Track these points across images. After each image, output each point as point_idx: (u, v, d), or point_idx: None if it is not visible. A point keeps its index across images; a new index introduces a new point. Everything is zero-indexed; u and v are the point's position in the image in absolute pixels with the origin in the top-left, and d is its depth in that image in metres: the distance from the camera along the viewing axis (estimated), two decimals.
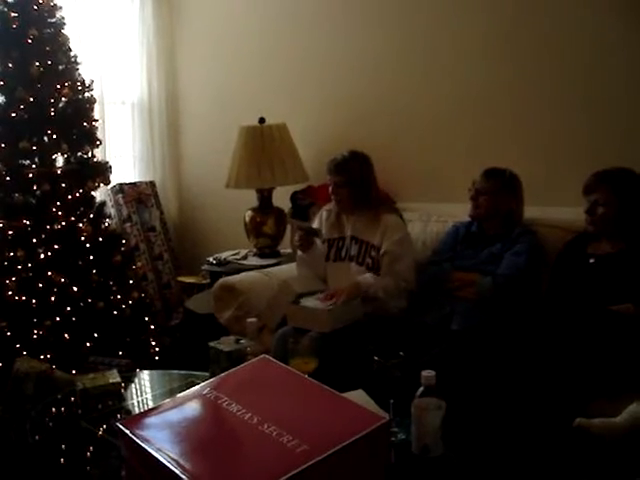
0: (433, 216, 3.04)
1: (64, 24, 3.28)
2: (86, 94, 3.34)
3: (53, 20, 3.24)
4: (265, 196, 3.72)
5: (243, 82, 4.09)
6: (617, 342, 2.08)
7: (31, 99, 3.12)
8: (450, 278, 2.62)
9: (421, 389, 1.54)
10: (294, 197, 3.71)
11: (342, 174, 2.77)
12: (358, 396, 1.72)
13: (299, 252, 2.87)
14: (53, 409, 2.14)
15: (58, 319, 3.11)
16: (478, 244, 2.70)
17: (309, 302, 2.63)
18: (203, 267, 3.79)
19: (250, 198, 3.74)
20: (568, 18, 2.85)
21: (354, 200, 2.79)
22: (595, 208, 2.33)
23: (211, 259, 3.72)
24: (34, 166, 3.18)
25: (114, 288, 3.34)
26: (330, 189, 2.85)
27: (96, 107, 3.47)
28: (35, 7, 3.16)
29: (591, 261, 2.34)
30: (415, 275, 2.71)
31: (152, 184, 4.32)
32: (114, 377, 2.24)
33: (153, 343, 3.47)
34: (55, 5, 3.25)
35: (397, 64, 3.41)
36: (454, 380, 1.96)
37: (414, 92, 3.36)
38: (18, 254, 3.08)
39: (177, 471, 1.25)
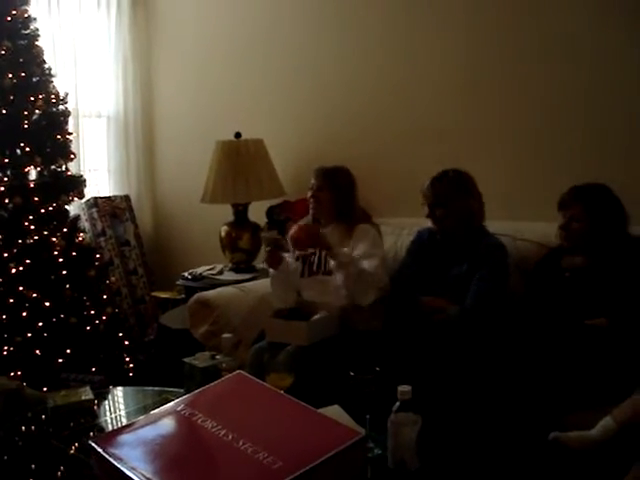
0: (405, 229, 3.05)
1: (38, 36, 3.26)
2: (60, 107, 3.31)
3: (27, 32, 3.21)
4: (241, 211, 3.71)
5: (219, 96, 4.09)
6: (592, 355, 2.10)
7: (4, 111, 3.09)
8: (419, 304, 2.54)
9: (397, 404, 1.53)
10: (270, 212, 3.71)
11: (327, 178, 2.79)
12: (334, 412, 1.72)
13: (270, 270, 2.83)
14: (23, 428, 2.09)
15: (29, 335, 3.05)
16: (444, 260, 2.61)
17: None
18: (178, 282, 3.76)
19: (226, 213, 3.73)
20: (549, 35, 2.90)
21: (335, 208, 2.77)
22: (570, 224, 2.36)
23: (186, 274, 3.70)
24: (6, 179, 3.13)
25: (87, 303, 3.30)
26: (309, 194, 2.83)
27: (70, 120, 3.44)
28: (9, 18, 3.14)
29: (566, 275, 2.37)
30: (386, 274, 2.68)
31: (127, 198, 4.28)
32: (87, 394, 2.20)
33: (127, 359, 3.43)
34: (29, 16, 3.23)
35: (374, 82, 3.44)
36: (430, 394, 1.97)
37: (391, 109, 3.39)
38: None
39: None
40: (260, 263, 3.72)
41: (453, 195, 2.56)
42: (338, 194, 2.78)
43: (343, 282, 2.60)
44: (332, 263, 2.67)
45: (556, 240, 2.48)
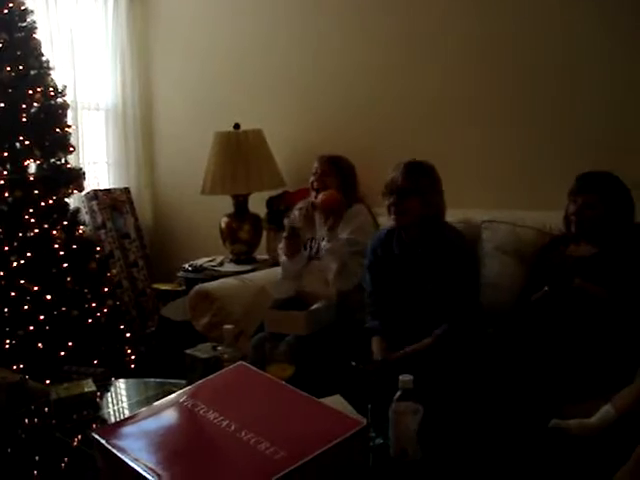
0: None
1: (35, 28, 3.24)
2: (59, 99, 3.30)
3: (24, 24, 3.19)
4: (241, 202, 3.71)
5: (218, 87, 4.08)
6: (592, 338, 2.10)
7: (2, 105, 3.08)
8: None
9: (398, 393, 1.54)
10: (270, 203, 3.70)
11: (333, 164, 2.86)
12: (336, 401, 1.73)
13: (284, 258, 2.85)
14: (26, 420, 2.10)
15: (31, 328, 3.06)
16: (407, 273, 2.38)
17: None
18: (179, 274, 3.77)
19: (226, 204, 3.73)
20: (541, 24, 2.90)
21: (340, 193, 2.80)
22: (583, 211, 2.35)
23: (187, 266, 3.70)
24: (6, 173, 3.13)
25: (89, 296, 3.31)
26: (312, 179, 2.87)
27: (69, 113, 3.43)
28: (5, 11, 3.12)
29: (569, 260, 2.37)
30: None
31: (127, 190, 4.28)
32: (89, 386, 2.21)
33: (129, 351, 3.44)
34: (26, 9, 3.21)
35: (375, 71, 3.43)
36: (432, 383, 1.97)
37: (390, 99, 3.38)
38: None
39: None
40: (260, 254, 3.73)
41: (429, 188, 2.37)
42: (343, 180, 2.85)
43: (329, 265, 2.70)
44: (324, 243, 2.72)
45: (561, 227, 2.47)
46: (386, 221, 2.60)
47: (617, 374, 2.01)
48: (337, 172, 2.86)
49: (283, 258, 2.87)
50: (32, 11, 3.25)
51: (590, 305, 2.18)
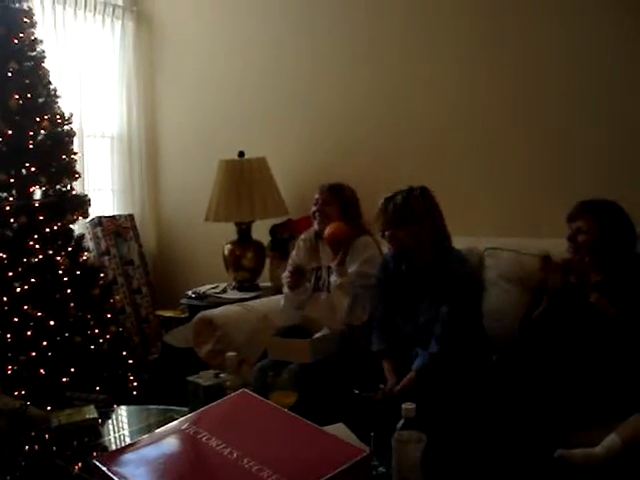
0: None
1: (44, 57, 3.29)
2: (65, 127, 3.33)
3: (33, 53, 3.24)
4: (244, 229, 3.73)
5: (223, 116, 4.12)
6: (600, 362, 2.09)
7: (10, 132, 3.11)
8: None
9: (402, 422, 1.53)
10: (273, 231, 3.72)
11: (334, 193, 2.86)
12: (339, 429, 1.72)
13: (287, 290, 2.87)
14: (27, 447, 2.09)
15: (34, 354, 3.05)
16: (411, 293, 2.49)
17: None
18: (182, 301, 3.77)
19: (229, 231, 3.75)
20: (542, 51, 2.94)
21: (343, 221, 2.81)
22: (577, 235, 2.36)
23: (190, 293, 3.71)
24: (11, 199, 3.15)
25: (92, 322, 3.30)
26: (314, 209, 2.87)
27: (75, 140, 3.46)
28: (16, 40, 3.17)
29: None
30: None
31: (131, 217, 4.30)
32: (91, 413, 2.20)
33: (131, 378, 3.42)
34: (36, 39, 3.27)
35: (377, 101, 3.46)
36: (435, 412, 1.96)
37: (395, 128, 3.42)
38: None
39: None
40: (263, 281, 3.73)
41: (414, 217, 2.47)
42: (345, 208, 2.84)
43: (340, 301, 2.71)
44: (333, 278, 2.71)
45: (565, 255, 2.47)
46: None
47: (623, 401, 1.99)
48: (338, 200, 2.85)
49: (286, 289, 2.88)
50: (42, 41, 3.30)
51: (600, 324, 2.17)
